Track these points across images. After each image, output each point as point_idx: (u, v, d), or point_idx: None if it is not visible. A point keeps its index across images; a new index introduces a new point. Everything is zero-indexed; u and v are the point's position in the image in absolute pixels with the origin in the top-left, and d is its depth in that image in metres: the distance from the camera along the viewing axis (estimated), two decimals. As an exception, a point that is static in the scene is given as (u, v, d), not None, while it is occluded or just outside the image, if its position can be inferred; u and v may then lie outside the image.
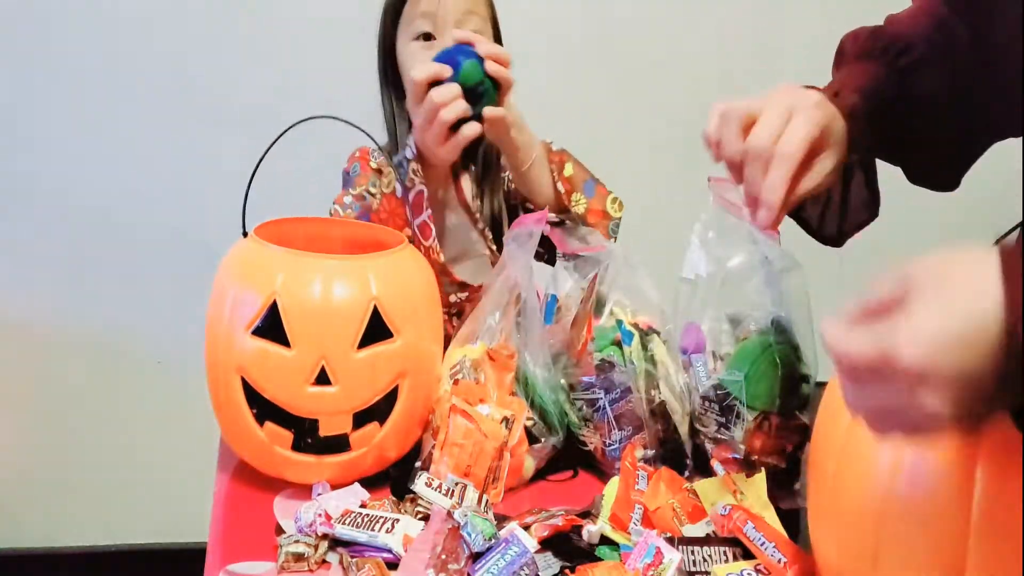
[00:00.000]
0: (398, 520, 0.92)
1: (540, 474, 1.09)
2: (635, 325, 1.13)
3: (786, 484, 1.04)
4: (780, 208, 0.81)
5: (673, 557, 0.85)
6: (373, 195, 1.25)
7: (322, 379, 0.97)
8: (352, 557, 0.89)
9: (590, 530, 0.92)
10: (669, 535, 0.91)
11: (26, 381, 2.04)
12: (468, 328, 1.12)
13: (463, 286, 1.23)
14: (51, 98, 1.89)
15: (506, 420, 1.01)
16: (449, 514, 0.92)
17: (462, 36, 1.15)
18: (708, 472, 1.03)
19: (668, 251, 1.15)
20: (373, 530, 0.90)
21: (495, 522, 0.91)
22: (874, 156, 0.94)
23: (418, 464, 1.04)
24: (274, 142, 1.05)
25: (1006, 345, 0.55)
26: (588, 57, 2.05)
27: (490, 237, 1.32)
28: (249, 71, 1.92)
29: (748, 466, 1.03)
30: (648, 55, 2.07)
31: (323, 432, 1.00)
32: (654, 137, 2.09)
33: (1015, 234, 0.83)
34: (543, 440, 1.08)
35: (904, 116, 0.90)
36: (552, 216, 1.22)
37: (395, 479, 1.04)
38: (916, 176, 0.95)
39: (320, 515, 0.91)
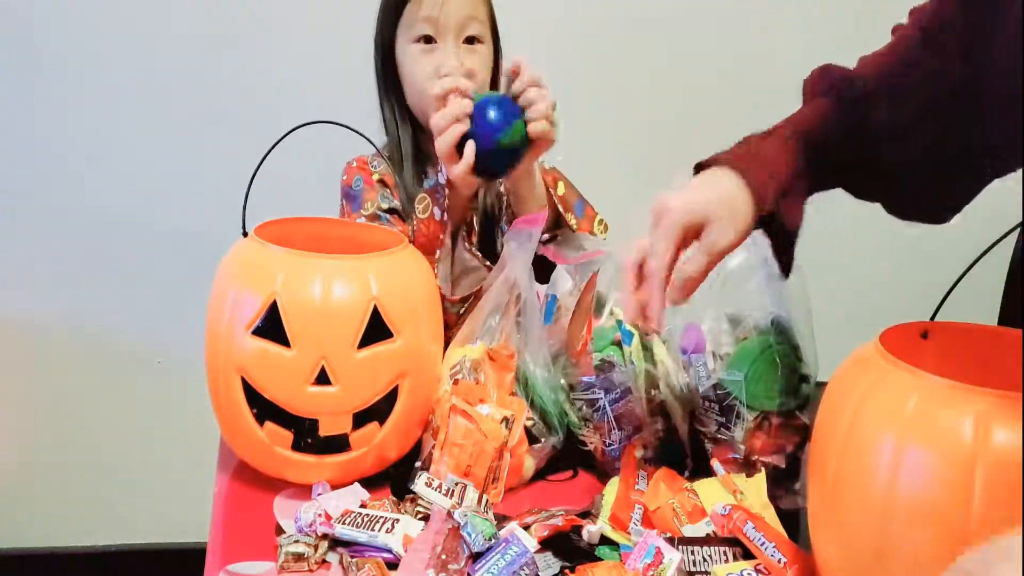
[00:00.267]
0: (398, 520, 0.92)
1: (540, 474, 1.09)
2: (635, 325, 1.13)
3: (786, 484, 1.04)
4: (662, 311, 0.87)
5: (673, 557, 0.85)
6: (388, 212, 1.24)
7: (322, 379, 0.97)
8: (352, 557, 0.89)
9: (590, 530, 0.92)
10: (669, 535, 0.91)
11: (26, 381, 2.04)
12: (468, 328, 1.12)
13: (463, 300, 1.23)
14: (51, 98, 1.89)
15: (506, 420, 1.01)
16: (449, 514, 0.92)
17: (528, 80, 1.13)
18: (708, 472, 1.03)
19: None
20: (373, 530, 0.90)
21: (495, 522, 0.91)
22: (839, 186, 0.95)
23: (418, 464, 1.04)
24: (274, 145, 1.06)
25: None
26: (588, 57, 2.05)
27: (485, 261, 1.28)
28: (249, 71, 1.92)
29: (748, 466, 1.03)
30: (648, 55, 2.06)
31: (323, 432, 1.00)
32: (654, 137, 2.09)
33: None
34: (543, 440, 1.08)
35: (857, 146, 0.92)
36: (543, 235, 1.21)
37: (395, 479, 1.04)
38: (895, 208, 0.96)
39: (320, 515, 0.91)
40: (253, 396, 0.99)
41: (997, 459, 0.68)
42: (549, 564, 0.88)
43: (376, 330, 0.99)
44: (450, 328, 1.14)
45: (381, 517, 0.92)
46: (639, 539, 0.90)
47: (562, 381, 1.11)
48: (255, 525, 0.96)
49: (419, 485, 1.00)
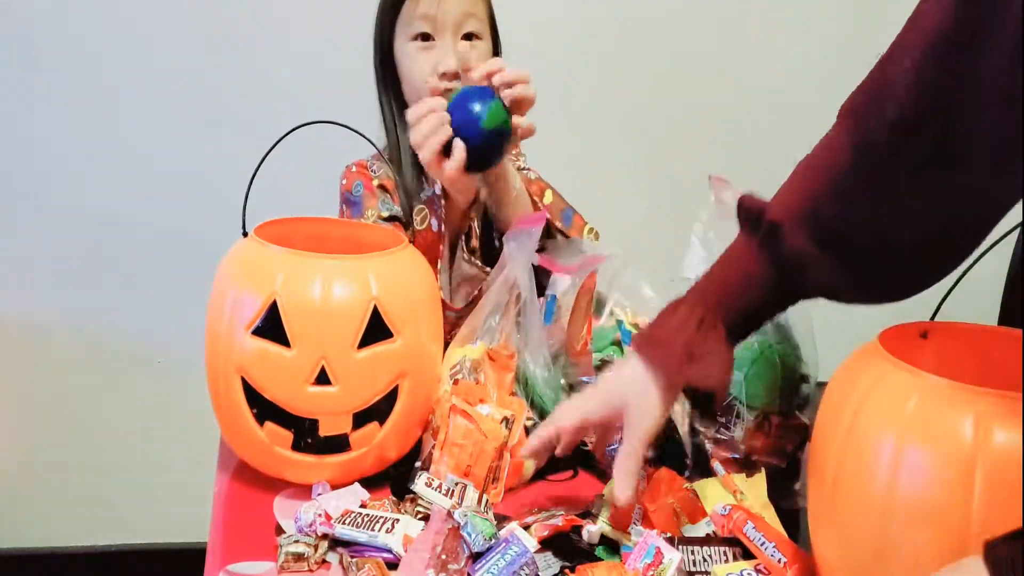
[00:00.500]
0: (398, 520, 0.92)
1: (540, 474, 1.08)
2: (635, 325, 1.13)
3: (786, 484, 1.04)
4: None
5: (673, 557, 0.85)
6: (389, 220, 1.24)
7: (322, 379, 0.97)
8: (352, 557, 0.89)
9: (590, 530, 0.92)
10: (669, 535, 0.91)
11: (26, 381, 2.04)
12: (468, 328, 1.12)
13: (464, 307, 1.22)
14: (51, 98, 1.89)
15: (506, 420, 1.01)
16: (449, 514, 0.92)
17: (488, 70, 1.12)
18: (708, 472, 1.03)
19: (668, 251, 1.14)
20: (373, 530, 0.90)
21: (495, 522, 0.91)
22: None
23: (418, 464, 1.04)
24: (274, 145, 1.06)
25: None
26: (587, 56, 2.05)
27: (481, 265, 1.28)
28: (249, 71, 1.92)
29: (748, 466, 1.03)
30: (648, 55, 2.06)
31: (323, 432, 0.99)
32: (654, 136, 2.09)
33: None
34: (543, 440, 1.08)
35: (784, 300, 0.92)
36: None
37: (395, 479, 1.04)
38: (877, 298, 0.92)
39: (320, 515, 0.91)
40: (253, 396, 0.99)
41: (997, 459, 0.68)
42: (549, 564, 0.88)
43: (376, 330, 0.99)
44: (449, 331, 1.14)
45: (381, 517, 0.92)
46: (639, 539, 0.90)
47: (562, 381, 1.11)
48: (255, 525, 0.96)
49: (419, 485, 1.00)
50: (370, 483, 1.02)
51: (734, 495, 0.97)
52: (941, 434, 0.71)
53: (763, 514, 0.94)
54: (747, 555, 0.89)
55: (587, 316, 1.12)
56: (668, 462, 1.05)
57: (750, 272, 0.89)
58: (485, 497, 0.99)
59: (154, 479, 2.08)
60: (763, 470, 1.00)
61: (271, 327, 0.97)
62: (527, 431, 1.06)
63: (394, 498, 1.00)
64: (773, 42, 2.07)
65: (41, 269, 1.96)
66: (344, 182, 1.30)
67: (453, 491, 0.98)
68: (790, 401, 1.04)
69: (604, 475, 1.06)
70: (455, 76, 1.21)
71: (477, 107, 1.09)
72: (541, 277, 1.17)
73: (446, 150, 1.10)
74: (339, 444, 1.00)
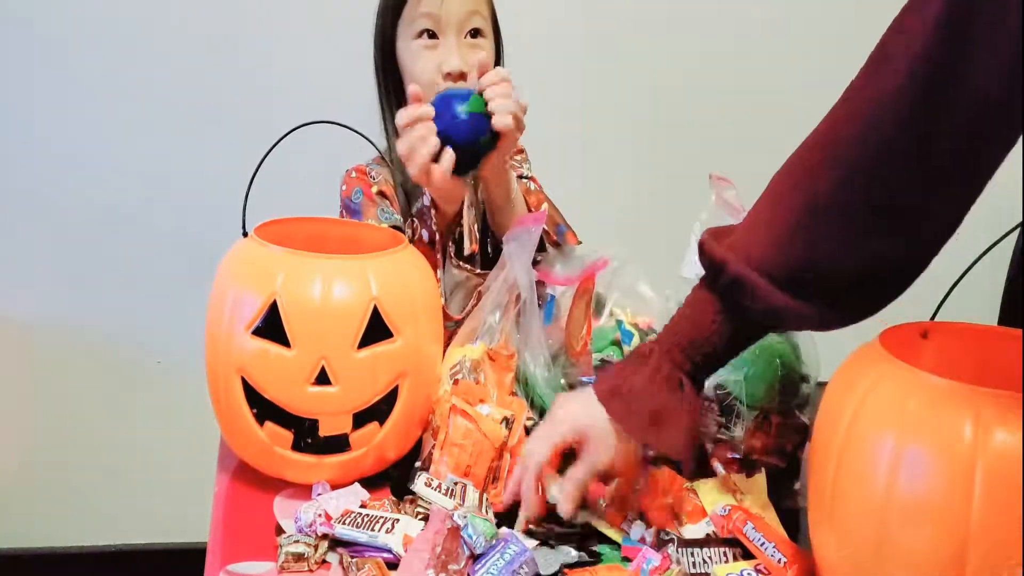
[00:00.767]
0: (398, 520, 0.92)
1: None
2: (635, 325, 1.13)
3: (786, 484, 1.04)
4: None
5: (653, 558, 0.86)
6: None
7: (322, 379, 0.97)
8: (352, 557, 0.89)
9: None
10: (667, 534, 0.91)
11: (26, 381, 2.04)
12: (468, 328, 1.12)
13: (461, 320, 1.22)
14: (51, 98, 1.89)
15: (506, 420, 1.01)
16: (449, 515, 0.92)
17: (484, 83, 1.12)
18: (708, 472, 1.03)
19: (668, 251, 1.14)
20: (373, 530, 0.91)
21: (495, 522, 0.91)
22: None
23: (418, 464, 1.04)
24: (274, 145, 1.06)
25: None
26: (589, 55, 2.05)
27: (471, 267, 1.27)
28: (249, 71, 1.92)
29: (748, 466, 1.03)
30: (649, 54, 2.06)
31: (323, 432, 0.99)
32: (654, 136, 2.09)
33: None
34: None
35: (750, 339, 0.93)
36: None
37: (395, 479, 1.04)
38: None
39: (320, 515, 0.91)
40: (253, 396, 0.99)
41: (997, 459, 0.68)
42: (549, 563, 0.88)
43: (376, 330, 0.99)
44: (447, 340, 1.13)
45: (381, 517, 0.92)
46: (636, 543, 0.91)
47: (562, 381, 1.11)
48: (255, 525, 0.96)
49: (419, 485, 1.00)
50: (370, 483, 1.02)
51: (734, 495, 0.97)
52: (941, 434, 0.71)
53: (763, 514, 0.94)
54: (747, 555, 0.89)
55: (587, 316, 1.12)
56: (668, 462, 1.05)
57: (714, 325, 0.90)
58: (485, 497, 0.99)
59: (154, 479, 2.07)
60: (763, 470, 1.00)
61: (271, 327, 0.97)
62: (527, 431, 1.06)
63: (394, 498, 1.00)
64: (774, 42, 2.07)
65: (41, 269, 1.96)
66: (344, 188, 1.29)
67: (453, 491, 0.98)
68: (790, 401, 1.04)
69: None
70: (460, 76, 1.20)
71: (457, 108, 1.09)
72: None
73: (435, 161, 1.09)
74: (339, 444, 1.00)
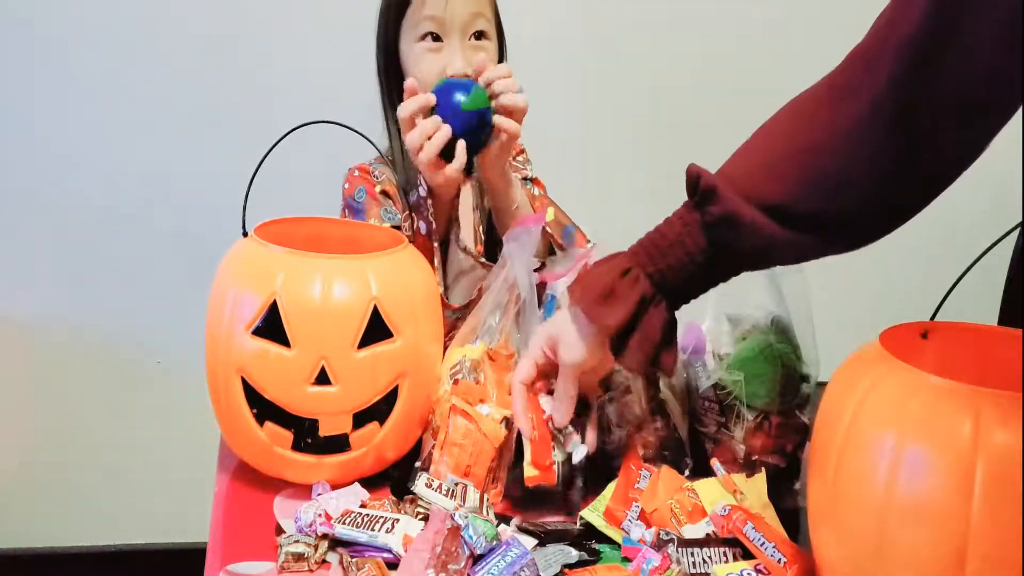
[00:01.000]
0: (398, 520, 0.92)
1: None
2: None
3: (786, 484, 1.04)
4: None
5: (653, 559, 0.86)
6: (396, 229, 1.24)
7: (322, 379, 0.97)
8: (352, 557, 0.89)
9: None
10: (668, 533, 0.91)
11: (26, 381, 2.04)
12: (468, 328, 1.12)
13: (462, 307, 1.22)
14: (51, 98, 1.89)
15: (506, 420, 1.01)
16: (450, 515, 0.92)
17: (490, 76, 1.15)
18: (708, 472, 1.03)
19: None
20: (373, 530, 0.91)
21: (496, 523, 0.91)
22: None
23: (418, 464, 1.04)
24: (274, 145, 1.06)
25: None
26: (591, 55, 2.05)
27: (475, 253, 1.28)
28: (249, 71, 1.92)
29: (748, 466, 1.03)
30: (651, 54, 2.06)
31: (323, 432, 1.00)
32: (655, 136, 2.09)
33: None
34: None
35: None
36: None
37: (395, 479, 1.04)
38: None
39: (320, 515, 0.91)
40: (253, 396, 0.99)
41: (997, 459, 0.68)
42: (549, 564, 0.89)
43: (376, 330, 0.99)
44: (447, 332, 1.14)
45: (381, 517, 0.92)
46: (636, 543, 0.91)
47: (562, 381, 1.11)
48: (255, 525, 0.96)
49: (419, 486, 1.00)
50: (370, 483, 1.02)
51: (734, 495, 0.97)
52: (941, 434, 0.71)
53: (763, 514, 0.94)
54: (747, 555, 0.89)
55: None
56: (668, 462, 1.05)
57: (681, 233, 0.91)
58: (486, 497, 0.99)
59: (154, 479, 2.08)
60: (763, 470, 1.00)
61: (271, 327, 0.97)
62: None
63: (394, 498, 1.00)
64: (775, 42, 2.07)
65: (41, 269, 1.96)
66: (347, 186, 1.29)
67: (453, 491, 0.98)
68: (790, 401, 1.04)
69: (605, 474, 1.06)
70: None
71: (458, 95, 1.12)
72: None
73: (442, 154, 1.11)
74: (339, 444, 1.00)
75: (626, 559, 0.92)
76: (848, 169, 0.83)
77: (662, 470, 1.02)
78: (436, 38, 1.22)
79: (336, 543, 0.92)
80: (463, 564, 0.85)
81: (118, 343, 2.02)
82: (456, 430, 1.01)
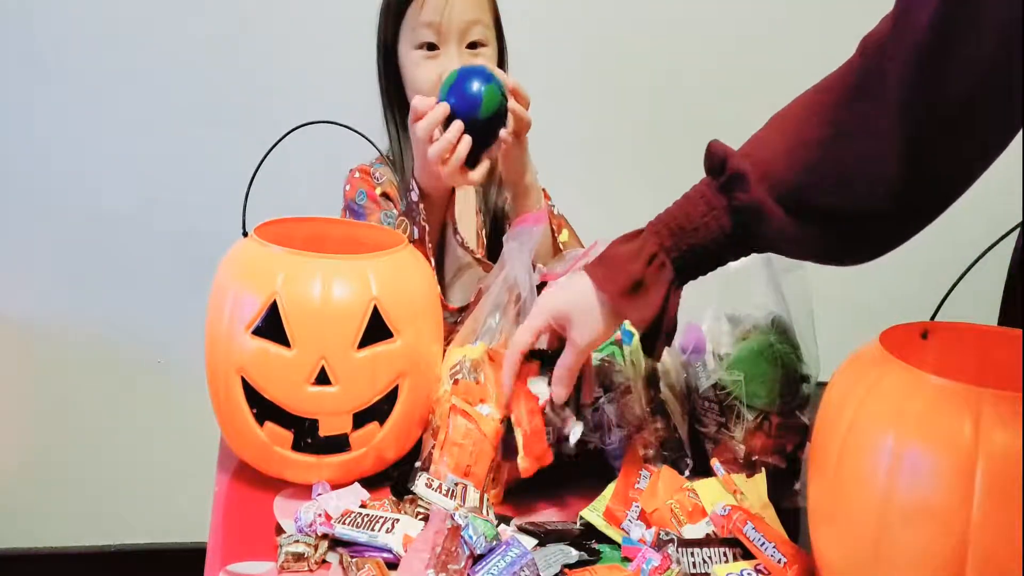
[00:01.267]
0: (398, 520, 0.92)
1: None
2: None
3: (786, 484, 1.04)
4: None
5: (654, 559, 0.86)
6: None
7: (322, 379, 0.97)
8: (352, 557, 0.89)
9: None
10: (668, 533, 0.91)
11: (26, 381, 2.04)
12: (468, 328, 1.12)
13: (460, 309, 1.23)
14: (51, 98, 1.89)
15: (506, 420, 1.01)
16: (450, 515, 0.92)
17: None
18: (708, 472, 1.03)
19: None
20: (373, 530, 0.90)
21: (496, 523, 0.91)
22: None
23: (418, 464, 1.04)
24: (274, 145, 1.06)
25: None
26: (590, 57, 2.05)
27: (473, 249, 1.29)
28: (249, 71, 1.92)
29: (748, 466, 1.03)
30: (649, 56, 2.06)
31: (323, 432, 1.00)
32: (655, 136, 2.09)
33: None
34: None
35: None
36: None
37: (395, 479, 1.04)
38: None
39: (320, 515, 0.91)
40: (253, 396, 0.99)
41: (997, 459, 0.68)
42: (549, 564, 0.88)
43: (376, 330, 0.99)
44: (446, 336, 1.14)
45: (381, 517, 0.92)
46: (636, 543, 0.91)
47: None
48: (255, 525, 0.96)
49: (419, 486, 0.99)
50: (370, 483, 1.02)
51: (734, 495, 0.97)
52: (941, 434, 0.71)
53: (763, 514, 0.94)
54: (747, 555, 0.89)
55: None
56: (668, 462, 1.05)
57: (706, 215, 0.91)
58: (486, 497, 0.99)
59: (154, 479, 2.08)
60: (763, 470, 1.00)
61: (271, 327, 0.97)
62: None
63: (394, 498, 1.00)
64: (776, 41, 2.07)
65: (41, 269, 1.96)
66: (348, 188, 1.29)
67: (453, 492, 0.98)
68: (790, 401, 1.04)
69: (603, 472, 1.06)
70: None
71: (475, 87, 1.11)
72: None
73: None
74: (339, 444, 1.00)
75: (626, 559, 0.92)
76: (859, 164, 0.83)
77: (662, 470, 1.02)
78: (432, 46, 1.23)
79: (336, 543, 0.92)
80: (463, 564, 0.85)
81: (118, 343, 2.02)
82: (456, 430, 1.01)
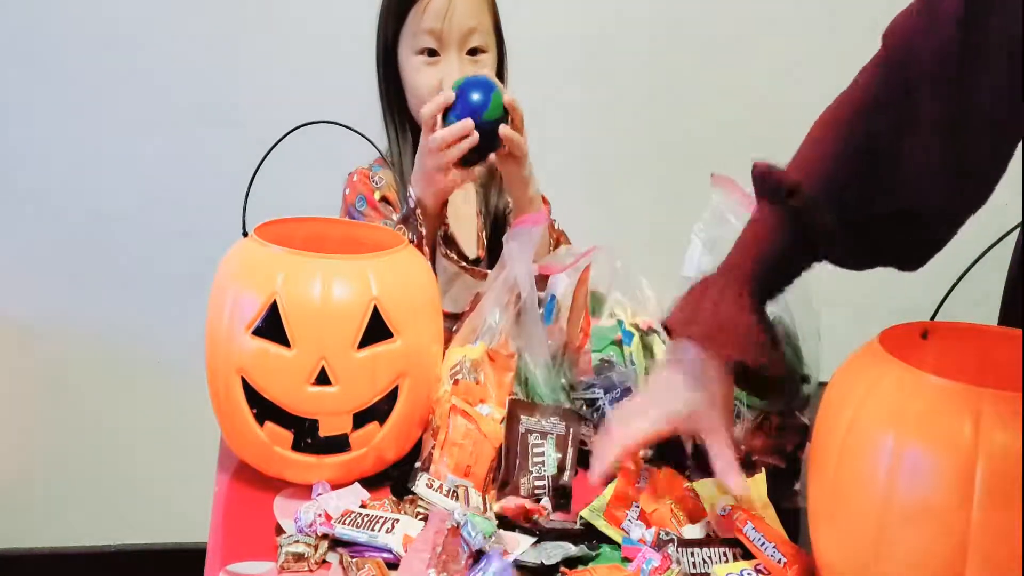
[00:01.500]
0: (398, 520, 0.92)
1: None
2: (635, 325, 1.13)
3: (786, 484, 1.04)
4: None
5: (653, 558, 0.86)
6: None
7: (322, 379, 0.97)
8: (352, 557, 0.89)
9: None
10: (668, 533, 0.91)
11: (26, 381, 2.04)
12: (468, 328, 1.12)
13: (454, 317, 1.23)
14: (51, 98, 1.89)
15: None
16: (450, 514, 0.91)
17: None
18: (708, 472, 1.03)
19: (668, 251, 1.14)
20: (373, 530, 0.90)
21: (496, 522, 0.91)
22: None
23: (418, 464, 1.04)
24: (274, 145, 1.06)
25: None
26: (590, 57, 2.05)
27: (457, 259, 1.29)
28: (249, 71, 1.92)
29: (748, 466, 1.03)
30: (649, 56, 2.06)
31: (323, 432, 0.99)
32: (655, 136, 2.09)
33: None
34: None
35: (810, 257, 0.94)
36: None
37: (395, 479, 1.04)
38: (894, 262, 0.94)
39: (320, 515, 0.91)
40: (253, 396, 0.99)
41: (997, 459, 0.68)
42: (551, 556, 0.88)
43: (376, 330, 0.99)
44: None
45: (381, 517, 0.92)
46: (636, 543, 0.91)
47: (562, 381, 1.11)
48: (255, 525, 0.96)
49: (420, 487, 0.99)
50: (370, 483, 1.02)
51: (734, 495, 0.97)
52: (941, 434, 0.70)
53: (763, 514, 0.94)
54: (747, 555, 0.89)
55: (584, 311, 1.12)
56: (668, 462, 1.05)
57: (778, 247, 0.90)
58: (486, 497, 0.99)
59: (154, 479, 2.08)
60: (763, 470, 1.00)
61: (271, 327, 0.97)
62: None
63: (394, 498, 0.99)
64: (775, 41, 2.07)
65: (41, 269, 1.96)
66: (347, 192, 1.30)
67: (455, 492, 0.98)
68: (790, 401, 1.04)
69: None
70: None
71: (476, 96, 1.13)
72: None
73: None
74: (339, 444, 1.00)
75: (626, 559, 0.91)
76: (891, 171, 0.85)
77: (662, 470, 1.02)
78: (433, 52, 1.23)
79: (336, 543, 0.92)
80: (463, 564, 0.85)
81: (118, 343, 2.02)
82: (456, 430, 1.01)
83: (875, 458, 0.73)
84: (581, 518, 0.98)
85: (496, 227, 1.34)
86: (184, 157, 1.93)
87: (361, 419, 1.00)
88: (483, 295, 1.13)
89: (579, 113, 2.05)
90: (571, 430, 1.04)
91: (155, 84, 1.90)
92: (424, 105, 1.17)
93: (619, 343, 1.11)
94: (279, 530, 0.93)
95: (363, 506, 0.96)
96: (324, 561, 0.90)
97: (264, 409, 0.99)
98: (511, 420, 1.01)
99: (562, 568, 0.88)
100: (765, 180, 0.91)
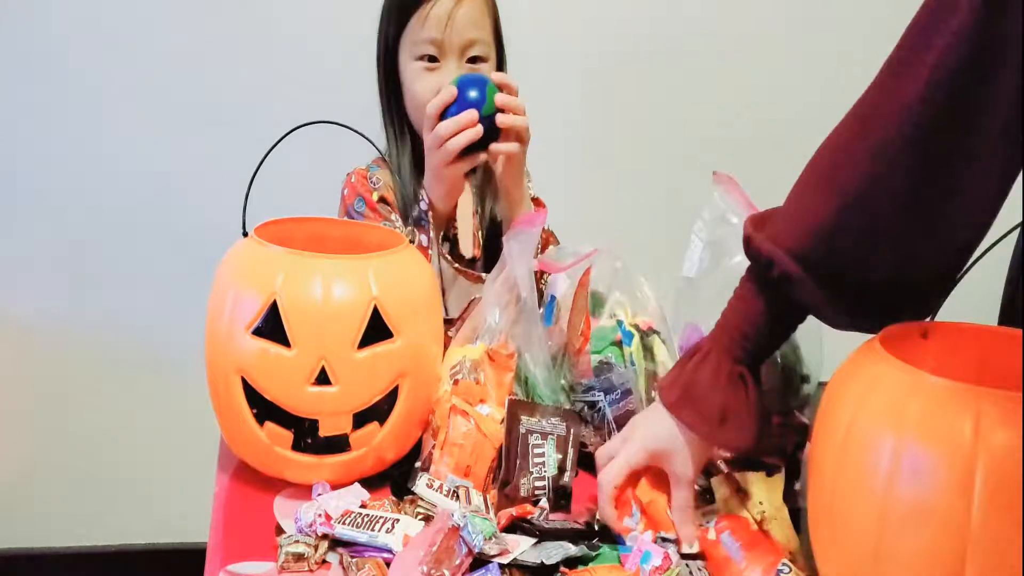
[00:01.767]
0: (398, 520, 0.92)
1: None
2: (635, 325, 1.13)
3: (786, 484, 1.03)
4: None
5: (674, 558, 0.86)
6: None
7: (322, 379, 0.97)
8: (352, 557, 0.89)
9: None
10: (666, 533, 0.91)
11: (26, 381, 2.04)
12: (468, 328, 1.12)
13: (447, 323, 1.23)
14: (51, 98, 1.89)
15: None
16: (451, 514, 0.91)
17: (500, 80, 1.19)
18: (708, 472, 1.03)
19: (668, 251, 1.14)
20: (373, 530, 0.90)
21: (496, 522, 0.91)
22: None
23: (418, 464, 1.04)
24: (275, 145, 1.06)
25: None
26: (590, 58, 2.05)
27: (453, 260, 1.29)
28: (249, 71, 1.92)
29: (748, 466, 1.03)
30: (649, 56, 2.06)
31: (323, 432, 1.00)
32: (655, 136, 2.09)
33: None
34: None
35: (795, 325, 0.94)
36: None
37: (395, 479, 1.04)
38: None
39: (320, 515, 0.91)
40: (253, 396, 0.99)
41: (997, 459, 0.68)
42: (551, 555, 0.88)
43: (376, 330, 0.99)
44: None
45: (381, 517, 0.92)
46: (636, 537, 0.91)
47: (562, 381, 1.11)
48: (255, 525, 0.96)
49: (421, 487, 0.99)
50: (370, 483, 1.02)
51: (735, 494, 0.97)
52: (941, 434, 0.70)
53: (777, 516, 0.94)
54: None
55: (584, 313, 1.12)
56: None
57: (768, 319, 0.91)
58: (486, 497, 0.99)
59: (154, 479, 2.08)
60: (783, 471, 0.99)
61: (271, 327, 0.97)
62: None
63: (394, 498, 1.00)
64: (775, 41, 2.07)
65: (41, 269, 1.96)
66: (345, 192, 1.30)
67: (455, 492, 0.98)
68: (790, 401, 1.04)
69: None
70: None
71: (474, 94, 1.16)
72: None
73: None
74: (339, 444, 1.00)
75: (626, 558, 0.91)
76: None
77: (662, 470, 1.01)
78: (433, 59, 1.24)
79: (336, 543, 0.92)
80: (459, 562, 0.85)
81: (118, 343, 2.02)
82: (456, 430, 1.01)
83: (875, 458, 0.73)
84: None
85: (492, 228, 1.34)
86: (184, 157, 1.93)
87: (361, 419, 1.00)
88: (480, 299, 1.13)
89: (579, 113, 2.05)
90: (572, 431, 1.04)
91: (155, 84, 1.90)
92: (425, 106, 1.17)
93: (619, 344, 1.11)
94: (279, 530, 0.93)
95: (363, 506, 0.96)
96: (324, 561, 0.90)
97: (264, 409, 0.99)
98: (511, 420, 1.01)
99: (562, 568, 0.88)
100: (749, 247, 0.91)
